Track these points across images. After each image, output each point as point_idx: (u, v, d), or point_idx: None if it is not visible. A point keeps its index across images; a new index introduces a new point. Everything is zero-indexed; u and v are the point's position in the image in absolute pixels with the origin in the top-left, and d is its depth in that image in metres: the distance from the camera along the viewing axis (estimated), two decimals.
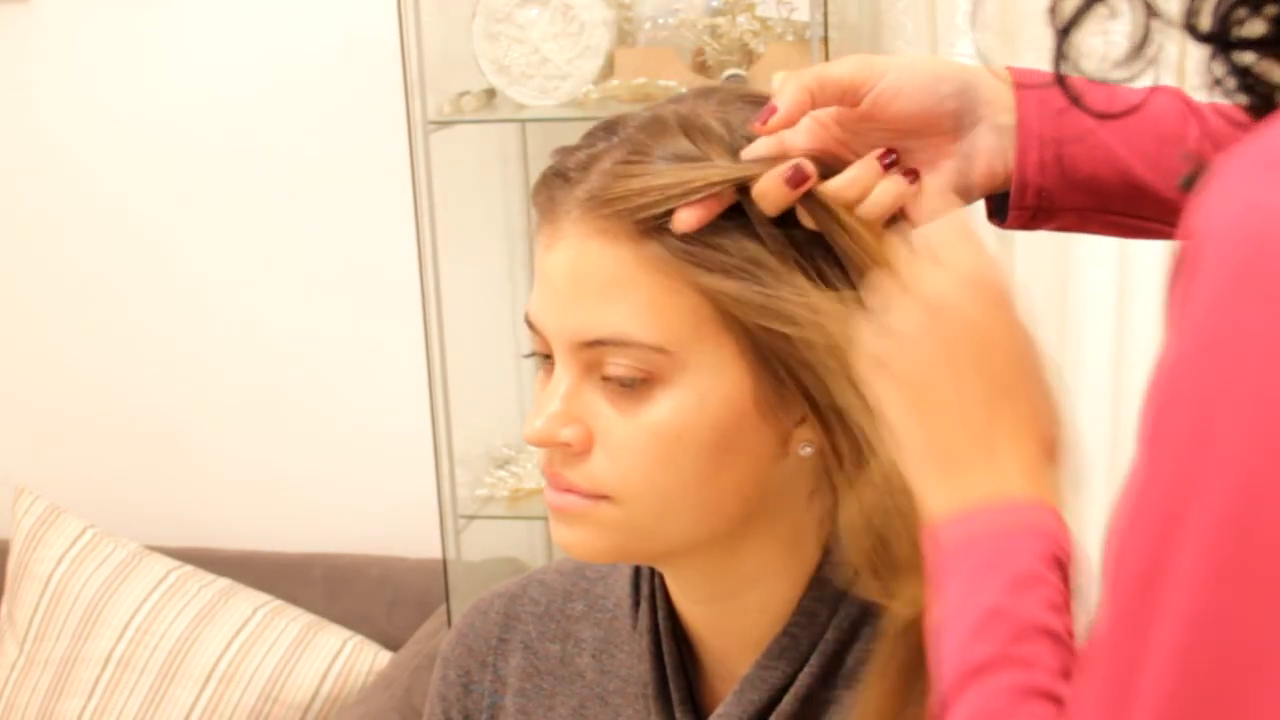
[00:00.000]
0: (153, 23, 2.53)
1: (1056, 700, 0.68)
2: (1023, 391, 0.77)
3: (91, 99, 2.58)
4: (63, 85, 2.59)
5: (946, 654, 0.72)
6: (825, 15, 2.01)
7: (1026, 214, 0.94)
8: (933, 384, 0.77)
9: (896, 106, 0.91)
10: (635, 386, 0.87)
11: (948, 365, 0.77)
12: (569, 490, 0.89)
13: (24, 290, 2.69)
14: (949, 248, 0.79)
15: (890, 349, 0.78)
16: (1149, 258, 2.15)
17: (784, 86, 0.89)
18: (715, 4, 2.17)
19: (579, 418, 0.88)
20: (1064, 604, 0.72)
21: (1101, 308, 2.18)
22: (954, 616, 0.72)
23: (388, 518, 2.58)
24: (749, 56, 2.15)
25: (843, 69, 0.91)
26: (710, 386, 0.87)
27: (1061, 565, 0.73)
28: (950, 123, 0.93)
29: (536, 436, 0.89)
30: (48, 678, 2.42)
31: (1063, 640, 0.70)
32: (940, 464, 0.76)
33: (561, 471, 0.89)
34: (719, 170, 0.86)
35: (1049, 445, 0.78)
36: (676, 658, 0.97)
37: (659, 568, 0.98)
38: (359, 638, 2.38)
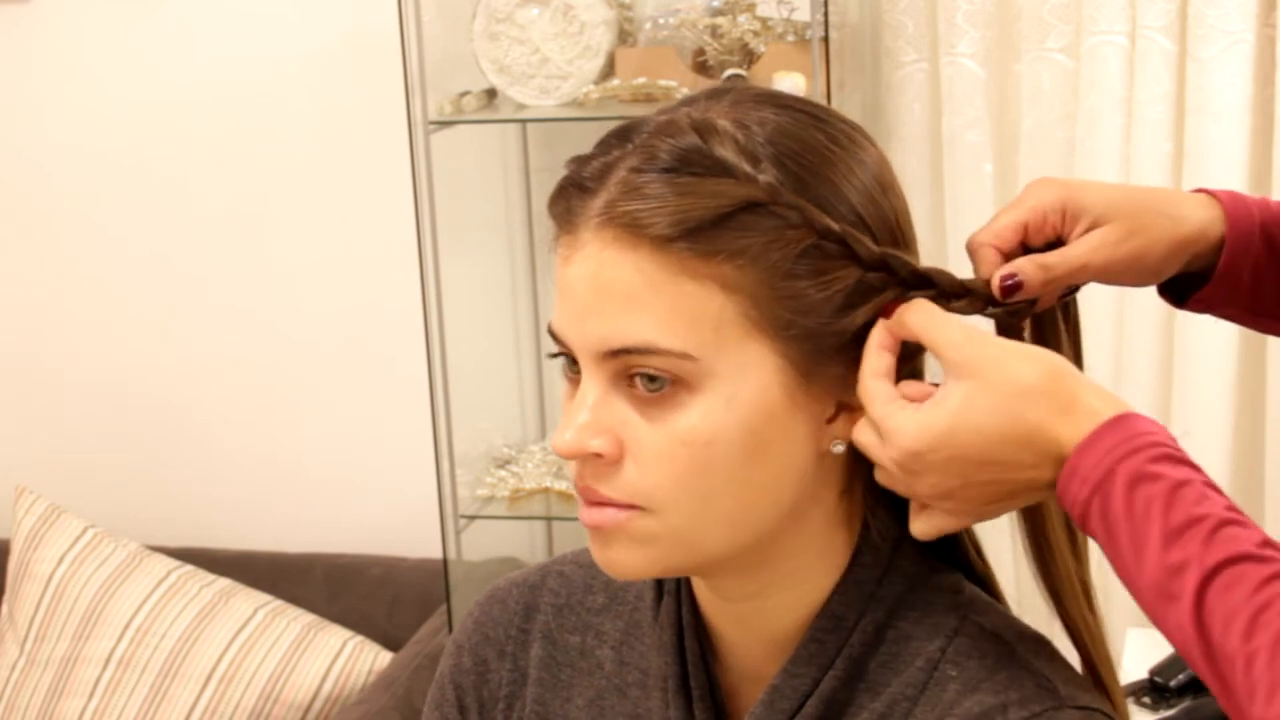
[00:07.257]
0: (153, 22, 2.53)
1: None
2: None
3: (91, 99, 2.58)
4: (63, 85, 2.59)
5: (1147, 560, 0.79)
6: (825, 15, 2.01)
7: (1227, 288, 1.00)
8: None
9: (1117, 280, 0.98)
10: (663, 394, 0.86)
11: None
12: (603, 504, 0.89)
13: (24, 290, 2.69)
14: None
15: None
16: None
17: (1031, 273, 0.93)
18: (715, 4, 2.17)
19: (608, 428, 0.87)
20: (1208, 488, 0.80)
21: (1101, 310, 2.18)
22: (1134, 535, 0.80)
23: (388, 518, 2.58)
24: (749, 56, 2.15)
25: (1082, 255, 0.95)
26: (737, 389, 0.86)
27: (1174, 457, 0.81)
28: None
29: (567, 448, 0.88)
30: (48, 678, 2.42)
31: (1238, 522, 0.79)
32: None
33: (594, 485, 0.89)
34: (737, 181, 0.86)
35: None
36: (698, 653, 0.97)
37: (696, 577, 0.97)
38: (359, 638, 2.38)
